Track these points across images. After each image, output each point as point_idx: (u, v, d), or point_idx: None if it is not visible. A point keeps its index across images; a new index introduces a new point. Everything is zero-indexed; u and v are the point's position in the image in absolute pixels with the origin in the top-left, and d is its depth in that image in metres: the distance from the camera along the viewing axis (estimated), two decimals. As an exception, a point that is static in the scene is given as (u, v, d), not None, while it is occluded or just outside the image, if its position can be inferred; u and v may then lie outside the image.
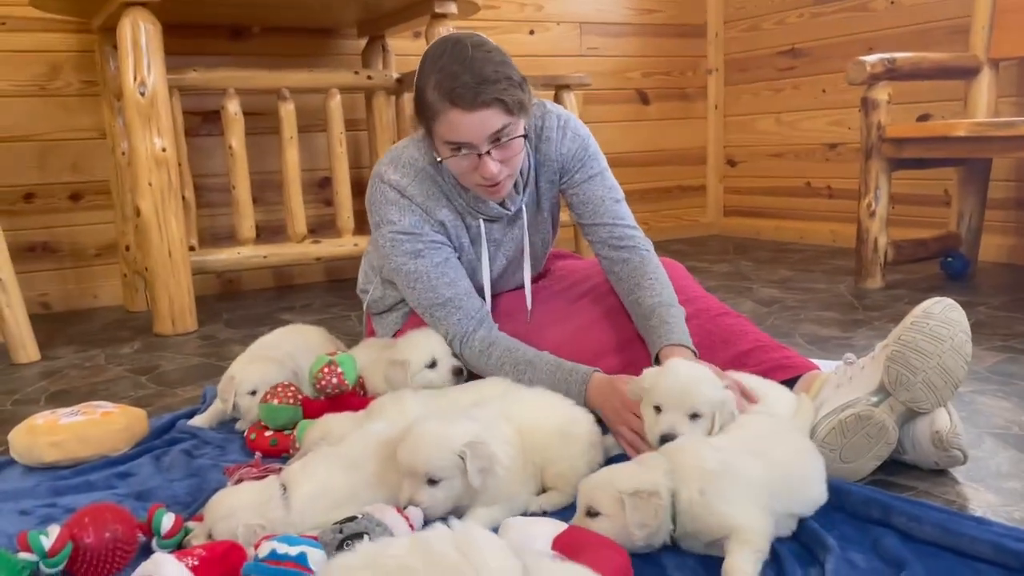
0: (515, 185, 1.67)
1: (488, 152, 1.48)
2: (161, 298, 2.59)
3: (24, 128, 3.00)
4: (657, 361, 1.48)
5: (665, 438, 1.23)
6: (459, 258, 1.67)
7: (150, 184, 2.52)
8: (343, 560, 0.84)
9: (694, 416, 1.24)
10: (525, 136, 1.55)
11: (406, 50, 3.51)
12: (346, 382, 1.55)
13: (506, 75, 1.46)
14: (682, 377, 1.27)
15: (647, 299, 1.59)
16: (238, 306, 3.09)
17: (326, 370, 1.55)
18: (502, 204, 1.67)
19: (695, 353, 1.50)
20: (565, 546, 1.01)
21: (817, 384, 1.41)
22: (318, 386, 1.55)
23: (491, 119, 1.45)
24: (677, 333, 1.51)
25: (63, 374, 2.23)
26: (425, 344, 1.59)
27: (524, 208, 1.70)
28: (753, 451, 1.14)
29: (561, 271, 1.89)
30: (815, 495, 1.16)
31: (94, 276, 3.18)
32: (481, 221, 1.67)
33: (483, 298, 1.68)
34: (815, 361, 1.55)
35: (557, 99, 3.50)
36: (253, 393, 1.62)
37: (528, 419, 1.30)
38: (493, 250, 1.71)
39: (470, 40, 1.49)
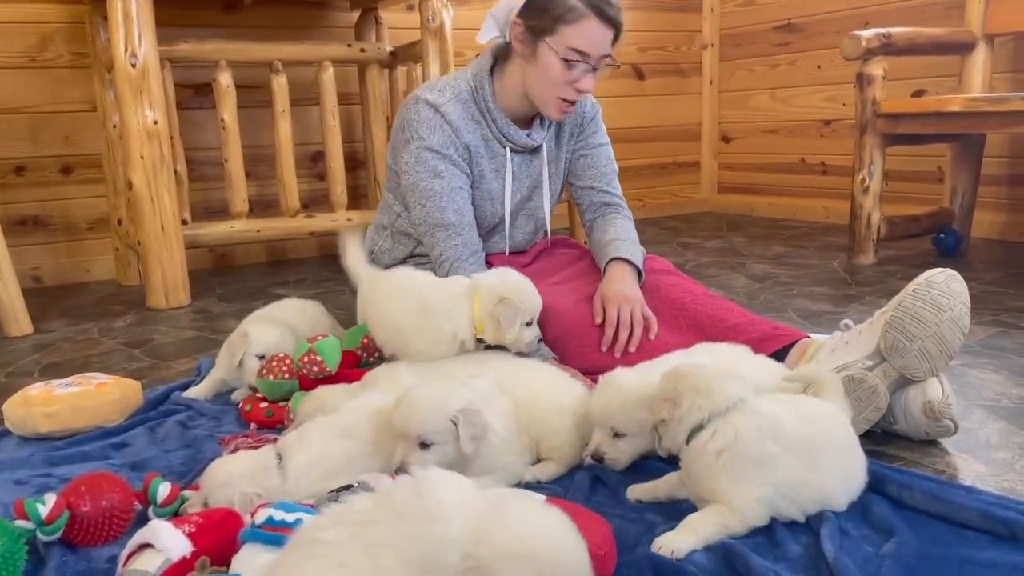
0: (541, 120, 1.80)
1: (595, 68, 1.64)
2: (154, 272, 2.58)
3: (14, 100, 2.98)
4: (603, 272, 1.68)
5: (596, 457, 1.25)
6: (478, 186, 1.76)
7: (142, 157, 2.50)
8: (314, 521, 0.84)
9: (616, 435, 1.25)
10: None
11: (399, 23, 3.48)
12: (327, 368, 1.54)
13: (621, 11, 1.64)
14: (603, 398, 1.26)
15: (613, 233, 1.76)
16: (231, 280, 3.08)
17: (306, 358, 1.54)
18: (528, 135, 1.77)
19: (640, 272, 1.68)
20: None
21: (811, 350, 1.43)
22: (301, 372, 1.54)
23: (608, 41, 1.62)
24: (628, 254, 1.69)
25: (56, 347, 2.22)
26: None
27: (545, 145, 1.81)
28: (802, 451, 1.08)
29: (565, 255, 1.93)
30: (839, 504, 1.11)
31: (86, 250, 3.17)
32: (508, 150, 1.77)
33: (503, 227, 1.82)
34: (813, 334, 1.55)
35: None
36: (261, 357, 1.62)
37: (524, 391, 1.31)
38: (513, 182, 1.81)
39: None
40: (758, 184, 4.27)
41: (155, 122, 2.51)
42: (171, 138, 2.65)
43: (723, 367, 1.18)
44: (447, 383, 1.25)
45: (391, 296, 1.53)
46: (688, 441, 1.10)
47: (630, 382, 1.24)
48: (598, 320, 1.59)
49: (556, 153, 1.85)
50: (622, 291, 1.60)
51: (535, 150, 1.81)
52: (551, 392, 1.32)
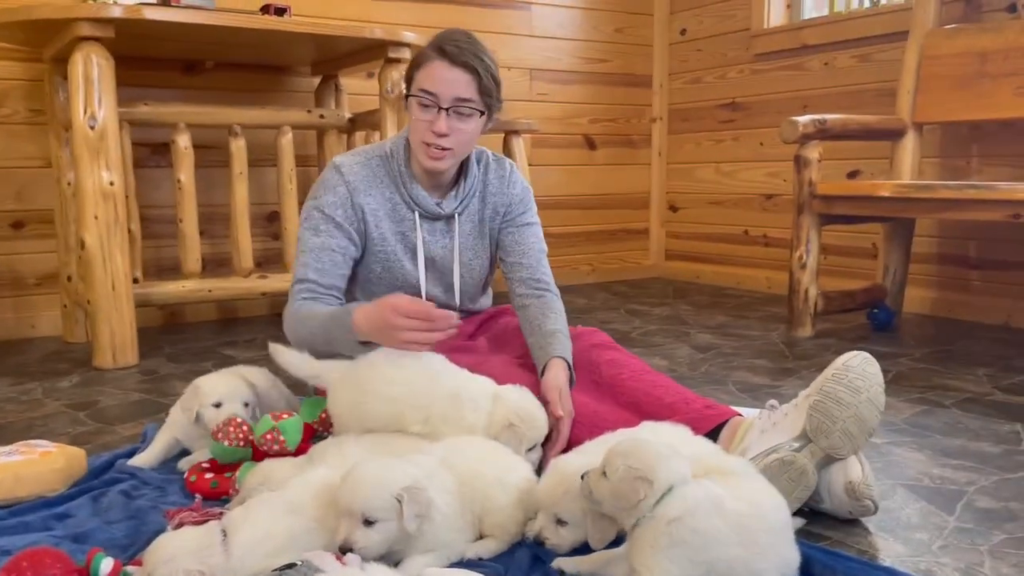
0: (456, 191, 1.83)
1: (447, 111, 1.66)
2: (102, 331, 2.57)
3: (-34, 154, 2.97)
4: (542, 373, 1.67)
5: (538, 541, 1.30)
6: (381, 248, 1.80)
7: (96, 217, 2.52)
8: None
9: (560, 522, 1.29)
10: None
11: (359, 89, 3.57)
12: (288, 449, 1.56)
13: (490, 66, 1.70)
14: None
15: (548, 325, 1.77)
16: (181, 339, 3.07)
17: (269, 436, 1.55)
18: (438, 203, 1.81)
19: (572, 379, 1.68)
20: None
21: (742, 430, 1.49)
22: (260, 449, 1.56)
23: (462, 83, 1.66)
24: (565, 353, 1.71)
25: (-2, 408, 2.20)
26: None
27: (457, 217, 1.84)
28: (740, 529, 1.12)
29: (505, 328, 1.97)
30: None
31: (33, 305, 3.13)
32: (416, 215, 1.81)
33: (419, 294, 1.82)
34: (743, 409, 1.62)
35: (506, 143, 3.59)
36: (218, 405, 1.64)
37: (467, 467, 1.34)
38: (424, 248, 1.83)
39: (477, 36, 1.73)
40: (703, 253, 4.41)
41: (111, 183, 2.53)
42: (126, 197, 2.67)
43: (666, 444, 1.24)
44: (392, 460, 1.28)
45: (418, 374, 1.53)
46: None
47: (575, 469, 1.28)
48: (559, 413, 1.58)
49: (478, 227, 1.88)
50: (559, 386, 1.62)
51: (448, 219, 1.85)
52: (495, 468, 1.36)
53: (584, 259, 4.42)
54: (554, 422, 1.57)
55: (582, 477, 1.23)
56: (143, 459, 1.69)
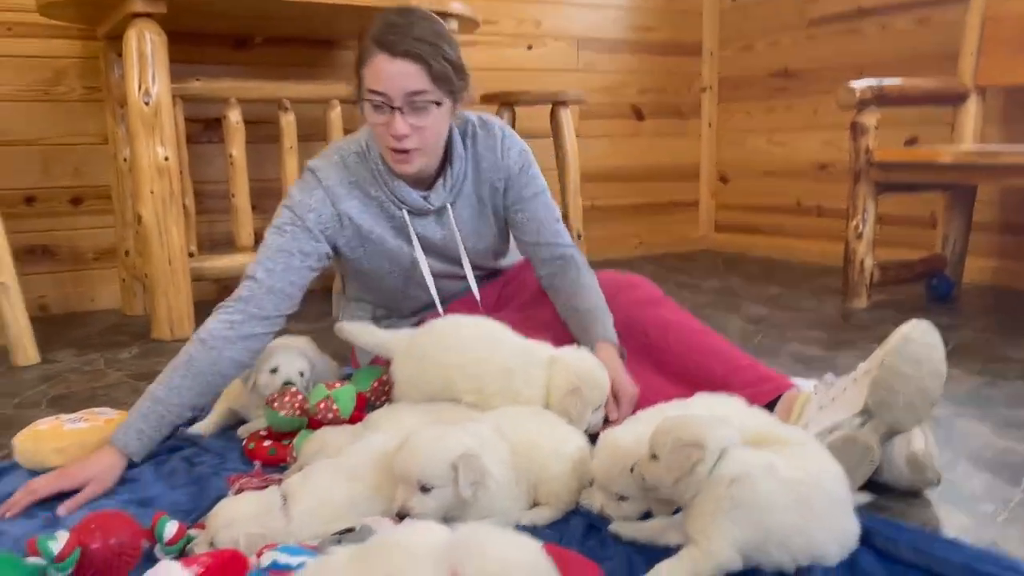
0: (443, 181, 1.72)
1: (400, 109, 1.51)
2: (160, 304, 2.62)
3: (27, 132, 3.04)
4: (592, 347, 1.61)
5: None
6: (379, 249, 1.74)
7: (152, 192, 2.56)
8: (305, 570, 0.88)
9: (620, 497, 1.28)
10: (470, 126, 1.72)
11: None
12: (341, 417, 1.58)
13: (439, 44, 1.51)
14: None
15: (583, 304, 1.69)
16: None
17: (323, 405, 1.57)
18: (425, 198, 1.71)
19: (622, 352, 1.63)
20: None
21: (799, 405, 1.46)
22: (315, 418, 1.58)
23: (411, 75, 1.49)
24: (609, 332, 1.64)
25: (63, 378, 2.26)
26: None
27: (451, 207, 1.74)
28: (798, 498, 1.11)
29: (523, 286, 1.92)
30: (830, 557, 1.13)
31: (92, 280, 3.21)
32: (405, 213, 1.71)
33: (429, 294, 1.77)
34: (797, 380, 1.59)
35: (553, 114, 3.56)
36: (274, 371, 1.66)
37: (521, 436, 1.34)
38: (425, 250, 1.77)
39: (422, 10, 1.57)
40: (755, 224, 4.34)
41: (166, 158, 2.57)
42: (180, 172, 2.71)
43: (717, 415, 1.23)
44: (447, 428, 1.29)
45: (474, 343, 1.52)
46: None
47: (627, 445, 1.27)
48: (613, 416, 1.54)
49: (477, 209, 1.78)
50: (631, 388, 1.56)
51: (440, 212, 1.75)
52: (550, 438, 1.36)
53: (632, 232, 4.38)
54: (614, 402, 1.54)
55: (631, 470, 1.23)
56: (202, 427, 1.73)
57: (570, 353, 1.54)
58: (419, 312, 1.91)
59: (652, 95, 4.34)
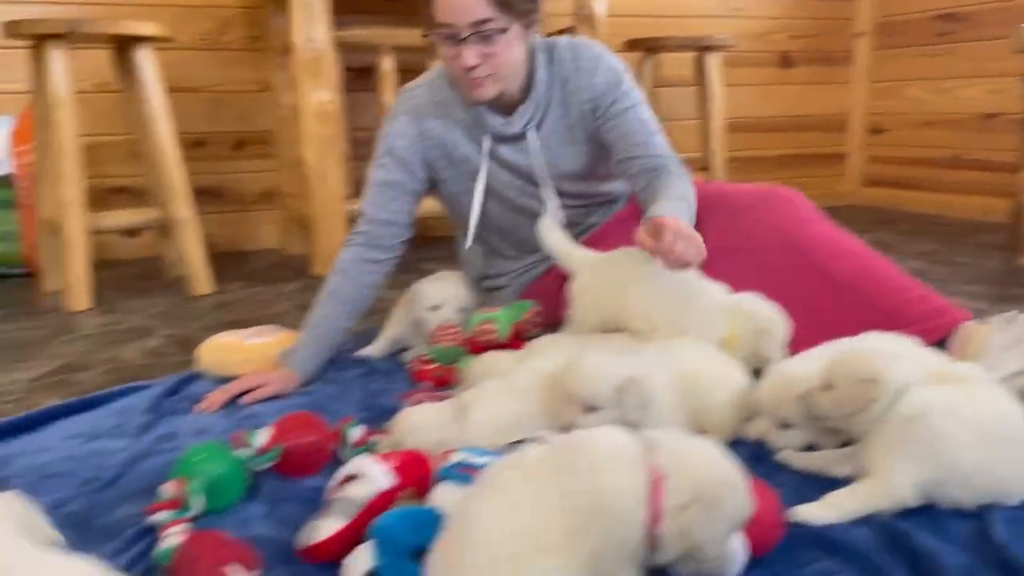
0: (525, 105, 1.69)
1: (466, 39, 1.52)
2: (320, 243, 2.77)
3: (196, 80, 3.24)
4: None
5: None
6: (471, 173, 1.74)
7: (314, 135, 2.69)
8: (495, 465, 0.93)
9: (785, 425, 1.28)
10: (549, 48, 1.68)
11: (553, 9, 3.54)
12: (500, 339, 1.64)
13: None
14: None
15: (663, 194, 1.58)
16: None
17: (482, 327, 1.65)
18: (506, 123, 1.71)
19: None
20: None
21: (977, 342, 1.40)
22: (475, 340, 1.65)
23: (474, 5, 1.50)
24: (684, 214, 1.52)
25: (235, 306, 2.44)
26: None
27: (534, 132, 1.71)
28: (981, 435, 1.09)
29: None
30: (1013, 496, 1.10)
31: (254, 220, 3.42)
32: (488, 137, 1.72)
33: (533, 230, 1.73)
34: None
35: (698, 61, 3.48)
36: (434, 308, 1.74)
37: (686, 365, 1.36)
38: (508, 175, 1.76)
39: None
40: (909, 178, 4.12)
41: (328, 102, 2.69)
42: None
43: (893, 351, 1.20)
44: (614, 353, 1.32)
45: (660, 274, 1.49)
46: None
47: (800, 373, 1.27)
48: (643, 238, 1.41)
49: (566, 134, 1.73)
50: (676, 220, 1.43)
51: (520, 138, 1.73)
52: (713, 368, 1.37)
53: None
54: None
55: (802, 399, 1.22)
56: (371, 350, 1.84)
57: (749, 298, 1.49)
58: (530, 254, 1.87)
59: (803, 41, 4.16)
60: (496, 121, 1.71)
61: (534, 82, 1.69)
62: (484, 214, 1.82)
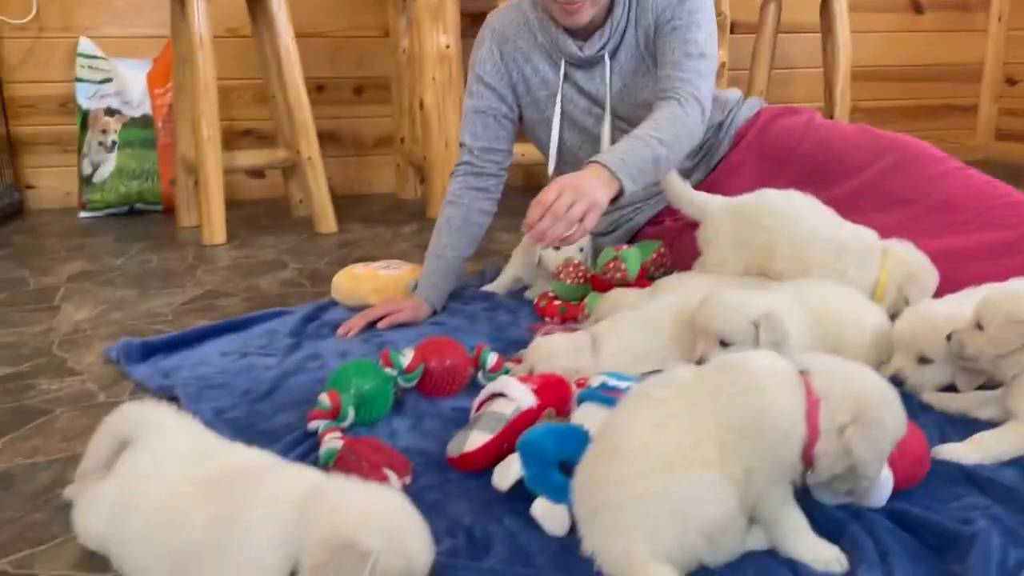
0: (601, 30, 1.67)
1: None
2: (436, 185, 2.83)
3: (318, 25, 3.31)
4: None
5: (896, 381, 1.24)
6: (551, 98, 1.74)
7: (434, 79, 2.74)
8: (644, 383, 0.96)
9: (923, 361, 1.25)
10: None
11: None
12: (628, 277, 1.66)
13: None
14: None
15: (635, 130, 1.53)
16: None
17: (611, 264, 1.66)
18: (581, 47, 1.68)
19: (618, 180, 1.44)
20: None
21: None
22: (603, 278, 1.67)
23: None
24: (610, 159, 1.46)
25: (358, 244, 2.53)
26: None
27: (609, 58, 1.69)
28: None
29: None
30: None
31: (370, 165, 3.51)
32: (563, 63, 1.71)
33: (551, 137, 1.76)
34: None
35: (824, 7, 3.35)
36: (557, 248, 1.75)
37: (821, 305, 1.35)
38: (585, 101, 1.75)
39: None
40: (1046, 132, 3.88)
41: (447, 46, 2.72)
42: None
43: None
44: (751, 290, 1.32)
45: (811, 217, 1.50)
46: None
47: (939, 310, 1.25)
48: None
49: (642, 63, 1.69)
50: (576, 180, 1.41)
51: (596, 63, 1.70)
52: (850, 309, 1.35)
53: (898, 137, 4.07)
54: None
55: (948, 337, 1.19)
56: (495, 286, 1.90)
57: (898, 244, 1.47)
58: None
59: (935, -14, 3.94)
60: (572, 45, 1.69)
61: (613, 5, 1.67)
62: (563, 144, 1.80)
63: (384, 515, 0.75)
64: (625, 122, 1.71)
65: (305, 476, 0.82)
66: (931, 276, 1.43)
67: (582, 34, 1.70)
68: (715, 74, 1.66)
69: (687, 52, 1.59)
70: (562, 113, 1.77)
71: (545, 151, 1.85)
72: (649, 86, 1.69)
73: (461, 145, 1.82)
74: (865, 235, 1.48)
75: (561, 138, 1.79)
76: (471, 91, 1.79)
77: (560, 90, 1.74)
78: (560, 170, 1.85)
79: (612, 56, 1.70)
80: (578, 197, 1.38)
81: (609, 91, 1.72)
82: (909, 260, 1.44)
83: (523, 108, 1.82)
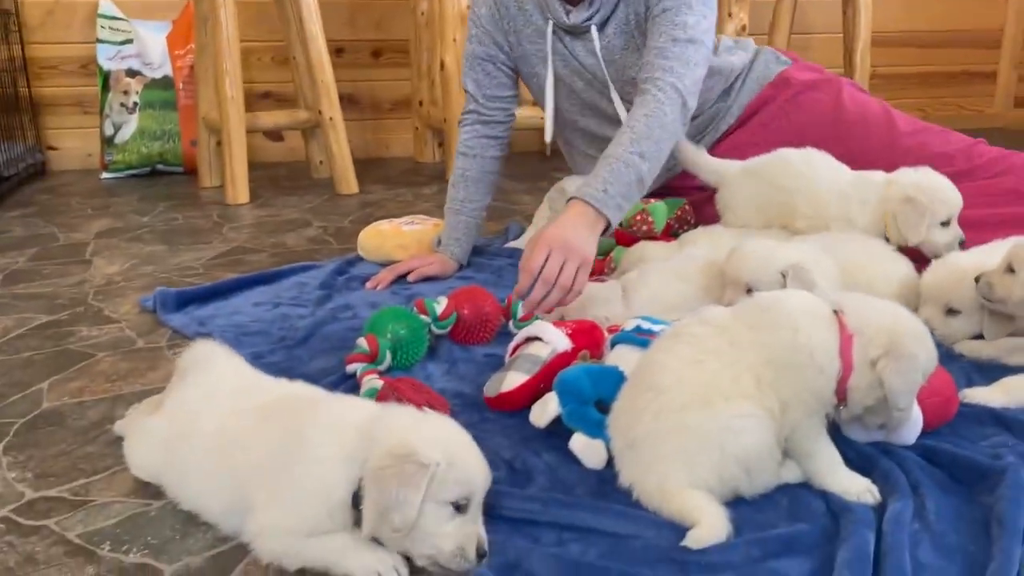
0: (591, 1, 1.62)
1: None
2: (455, 148, 2.83)
3: (337, -13, 3.32)
4: None
5: None
6: (538, 56, 1.71)
7: (454, 40, 2.74)
8: (680, 323, 0.98)
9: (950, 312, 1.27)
10: None
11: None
12: (655, 231, 1.68)
13: None
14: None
15: (613, 144, 1.45)
16: (514, 165, 3.29)
17: (638, 217, 1.68)
18: (568, 13, 1.64)
19: (603, 216, 1.37)
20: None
21: None
22: (629, 232, 1.69)
23: None
24: (589, 191, 1.38)
25: (380, 204, 2.55)
26: None
27: (596, 30, 1.63)
28: None
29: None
30: None
31: (388, 128, 3.52)
32: (550, 25, 1.67)
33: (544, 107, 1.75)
34: None
35: (845, -31, 3.32)
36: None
37: (848, 257, 1.37)
38: (576, 64, 1.70)
39: None
40: (1066, 100, 3.86)
41: (468, 7, 2.71)
42: (476, 24, 2.86)
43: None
44: (778, 241, 1.34)
45: (819, 170, 1.53)
46: None
47: (967, 261, 1.26)
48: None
49: (632, 39, 1.64)
50: (563, 235, 1.31)
51: (584, 33, 1.66)
52: (878, 261, 1.37)
53: (915, 104, 4.05)
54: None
55: (976, 280, 1.21)
56: (519, 243, 1.91)
57: (910, 170, 1.47)
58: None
59: (957, -51, 3.90)
60: (560, 9, 1.65)
61: None
62: (561, 113, 1.78)
63: (445, 436, 0.78)
64: (620, 96, 1.68)
65: (365, 404, 0.86)
66: (936, 195, 1.41)
67: (572, 1, 1.65)
68: (707, 61, 1.57)
69: (674, 36, 1.50)
70: (556, 78, 1.72)
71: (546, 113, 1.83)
72: (639, 65, 1.61)
73: (466, 92, 1.83)
74: (868, 174, 1.50)
75: (559, 106, 1.77)
76: (470, 38, 1.80)
77: (550, 51, 1.70)
78: (564, 139, 1.92)
79: (600, 29, 1.65)
80: (567, 256, 1.29)
81: (602, 63, 1.66)
82: (908, 184, 1.43)
83: (516, 61, 1.79)
